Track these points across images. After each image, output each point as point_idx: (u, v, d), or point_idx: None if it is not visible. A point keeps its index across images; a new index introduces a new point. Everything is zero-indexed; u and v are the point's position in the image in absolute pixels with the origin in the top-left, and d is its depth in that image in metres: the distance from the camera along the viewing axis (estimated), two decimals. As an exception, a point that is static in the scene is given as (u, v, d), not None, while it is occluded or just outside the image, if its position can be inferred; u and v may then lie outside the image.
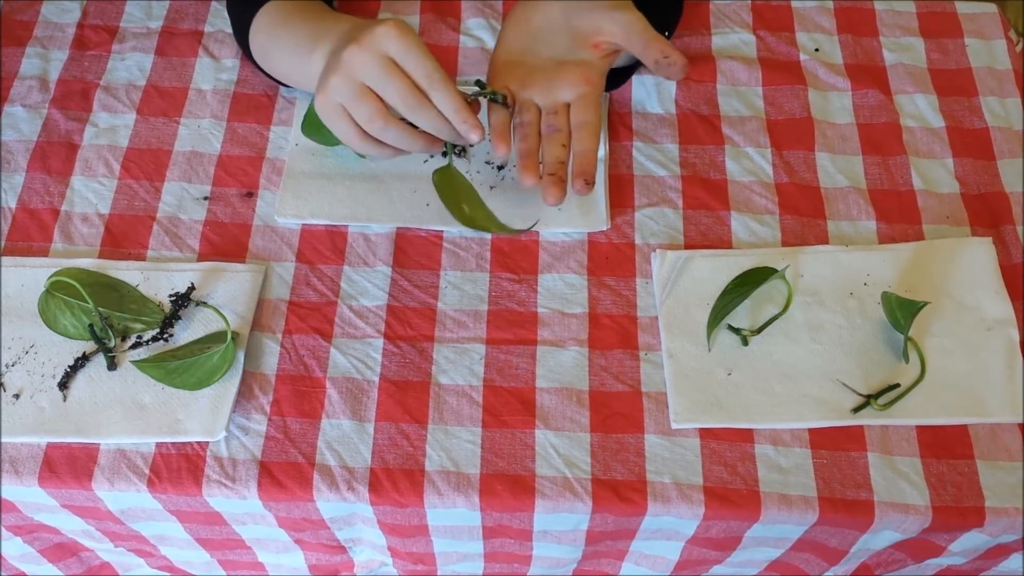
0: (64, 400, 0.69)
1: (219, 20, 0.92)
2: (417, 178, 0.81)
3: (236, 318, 0.73)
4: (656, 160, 0.83)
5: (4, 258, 0.76)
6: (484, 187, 0.80)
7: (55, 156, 0.83)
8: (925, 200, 0.81)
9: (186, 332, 0.73)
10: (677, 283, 0.75)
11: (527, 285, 0.76)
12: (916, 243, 0.78)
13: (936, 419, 0.69)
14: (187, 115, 0.86)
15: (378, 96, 0.65)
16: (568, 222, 0.79)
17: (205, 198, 0.81)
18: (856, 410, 0.69)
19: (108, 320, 0.72)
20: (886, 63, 0.90)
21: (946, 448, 0.68)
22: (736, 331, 0.73)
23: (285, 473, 0.67)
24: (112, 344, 0.71)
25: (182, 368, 0.69)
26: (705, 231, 0.79)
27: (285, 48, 0.76)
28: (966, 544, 0.69)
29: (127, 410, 0.69)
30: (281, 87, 0.87)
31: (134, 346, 0.72)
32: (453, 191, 0.73)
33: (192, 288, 0.74)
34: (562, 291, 0.76)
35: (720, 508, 0.66)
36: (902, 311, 0.69)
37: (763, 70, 0.89)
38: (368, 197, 0.80)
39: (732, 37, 0.92)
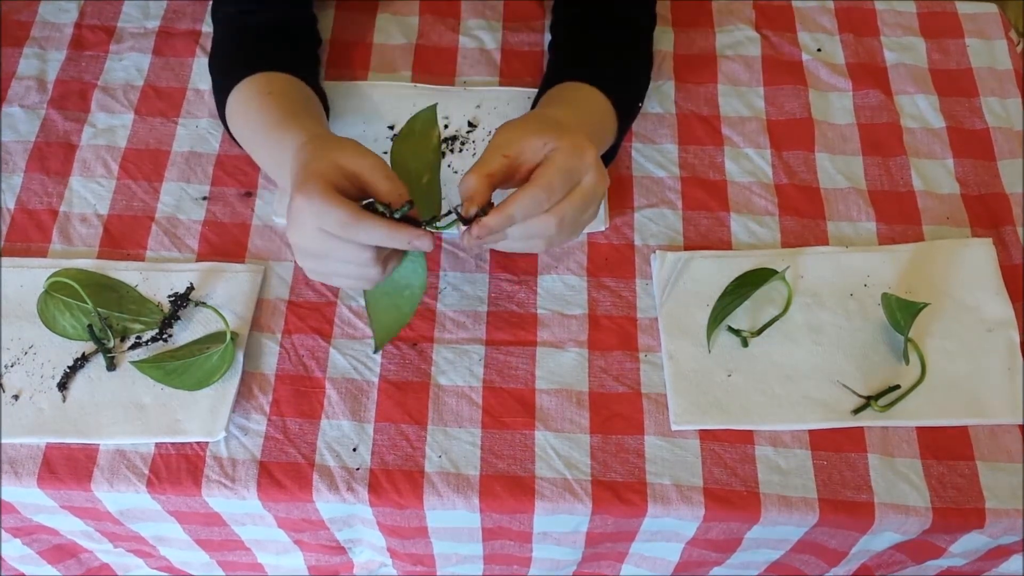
0: (63, 401, 0.69)
1: (218, 20, 0.92)
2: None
3: (235, 318, 0.73)
4: (655, 161, 0.83)
5: (3, 259, 0.76)
6: None
7: (53, 157, 0.83)
8: (925, 201, 0.81)
9: (185, 332, 0.73)
10: (677, 284, 0.75)
11: (526, 286, 0.76)
12: (916, 244, 0.77)
13: (936, 420, 0.69)
14: (185, 115, 0.86)
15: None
16: (568, 223, 0.78)
17: (204, 198, 0.81)
18: (856, 411, 0.69)
19: (107, 320, 0.71)
20: (887, 63, 0.90)
21: (946, 449, 0.68)
22: (736, 332, 0.72)
23: (285, 473, 0.67)
24: (111, 344, 0.71)
25: (181, 368, 0.69)
26: (705, 232, 0.79)
27: (257, 156, 0.74)
28: (966, 545, 0.69)
29: (126, 410, 0.69)
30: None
31: (133, 346, 0.72)
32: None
33: (191, 288, 0.74)
34: (561, 292, 0.76)
35: (720, 510, 0.66)
36: (902, 312, 0.69)
37: (764, 70, 0.89)
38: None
39: (736, 34, 0.92)
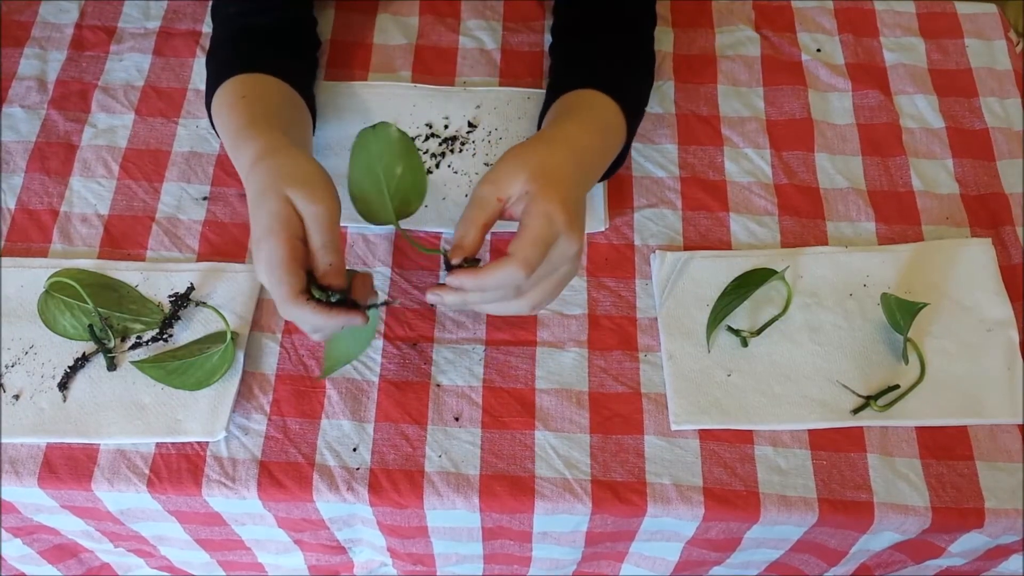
0: (64, 401, 0.69)
1: (218, 20, 0.92)
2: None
3: (235, 318, 0.73)
4: (655, 161, 0.83)
5: (3, 259, 0.76)
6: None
7: (54, 157, 0.83)
8: (925, 201, 0.81)
9: (186, 332, 0.73)
10: (676, 284, 0.75)
11: (527, 286, 0.76)
12: (915, 244, 0.78)
13: (936, 420, 0.69)
14: (186, 115, 0.86)
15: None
16: (568, 223, 0.78)
17: (204, 198, 0.81)
18: (856, 411, 0.69)
19: (108, 320, 0.71)
20: (886, 63, 0.90)
21: (946, 449, 0.68)
22: (736, 332, 0.73)
23: (285, 473, 0.67)
24: (112, 344, 0.71)
25: (182, 368, 0.69)
26: (704, 232, 0.79)
27: (228, 149, 0.73)
28: (966, 545, 0.69)
29: (127, 410, 0.69)
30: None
31: (134, 346, 0.72)
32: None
33: (191, 288, 0.74)
34: (561, 292, 0.76)
35: (720, 509, 0.66)
36: (901, 312, 0.69)
37: (764, 70, 0.89)
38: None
39: (736, 34, 0.92)
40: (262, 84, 0.74)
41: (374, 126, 0.61)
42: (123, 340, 0.72)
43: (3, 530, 0.76)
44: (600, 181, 0.79)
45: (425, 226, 0.78)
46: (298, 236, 0.59)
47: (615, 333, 0.74)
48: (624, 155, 0.77)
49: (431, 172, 0.82)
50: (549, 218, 0.59)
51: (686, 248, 0.78)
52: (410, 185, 0.62)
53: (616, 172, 0.79)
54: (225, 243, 0.78)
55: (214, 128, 0.77)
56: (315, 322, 0.59)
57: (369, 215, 0.63)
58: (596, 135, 0.70)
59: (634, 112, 0.75)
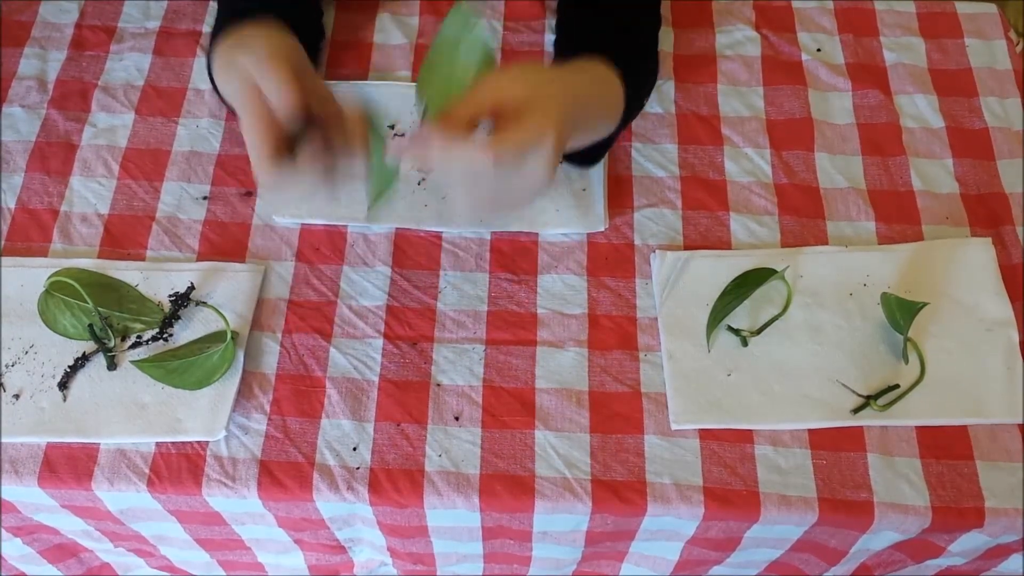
0: (64, 400, 0.69)
1: (218, 20, 0.92)
2: (416, 180, 0.81)
3: (236, 318, 0.73)
4: (655, 160, 0.83)
5: (3, 258, 0.76)
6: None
7: (54, 156, 0.83)
8: (925, 200, 0.81)
9: (186, 332, 0.73)
10: (677, 284, 0.75)
11: (526, 286, 0.76)
12: (915, 244, 0.78)
13: (936, 420, 0.69)
14: (185, 115, 0.86)
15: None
16: (566, 223, 0.79)
17: (204, 198, 0.81)
18: (856, 411, 0.69)
19: (108, 320, 0.72)
20: (886, 63, 0.90)
21: (946, 449, 0.68)
22: (736, 332, 0.73)
23: (285, 473, 0.67)
24: (112, 344, 0.71)
25: (182, 368, 0.69)
26: (704, 232, 0.79)
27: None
28: (966, 544, 0.69)
29: (127, 410, 0.69)
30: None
31: (134, 346, 0.72)
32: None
33: (192, 288, 0.74)
34: (561, 292, 0.76)
35: (720, 509, 0.66)
36: (901, 312, 0.69)
37: (764, 70, 0.89)
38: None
39: (736, 34, 0.92)
40: (269, 25, 0.72)
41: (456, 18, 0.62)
42: (123, 339, 0.72)
43: (3, 530, 0.76)
44: (587, 166, 0.79)
45: (424, 225, 0.78)
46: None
47: (615, 333, 0.74)
48: (611, 141, 0.75)
49: (431, 172, 0.81)
50: (541, 133, 0.58)
51: (686, 248, 0.78)
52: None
53: (601, 159, 0.79)
54: (225, 242, 0.78)
55: (216, 90, 0.75)
56: (303, 182, 0.59)
57: (424, 84, 0.64)
58: (592, 86, 0.68)
59: (633, 98, 0.73)
